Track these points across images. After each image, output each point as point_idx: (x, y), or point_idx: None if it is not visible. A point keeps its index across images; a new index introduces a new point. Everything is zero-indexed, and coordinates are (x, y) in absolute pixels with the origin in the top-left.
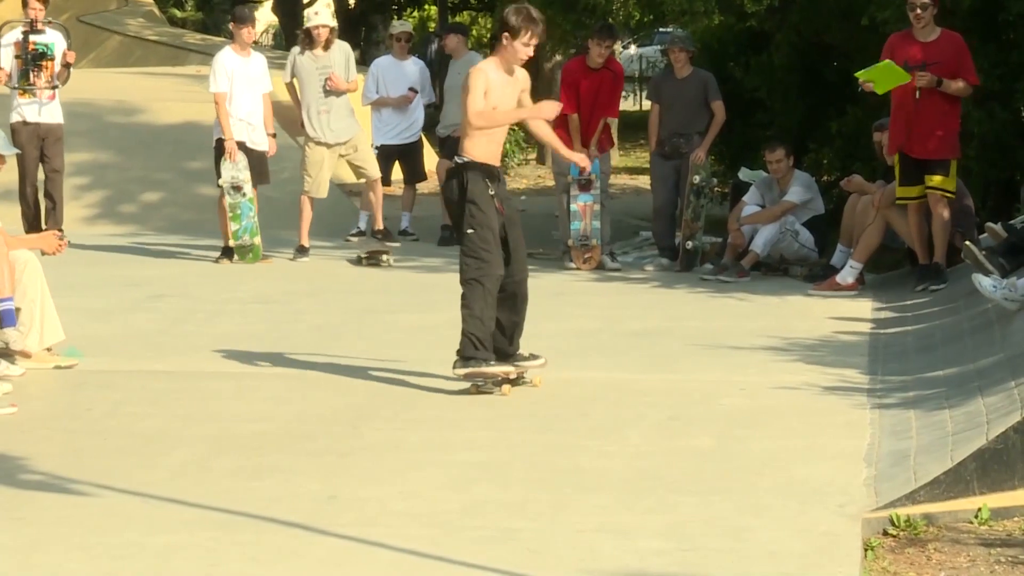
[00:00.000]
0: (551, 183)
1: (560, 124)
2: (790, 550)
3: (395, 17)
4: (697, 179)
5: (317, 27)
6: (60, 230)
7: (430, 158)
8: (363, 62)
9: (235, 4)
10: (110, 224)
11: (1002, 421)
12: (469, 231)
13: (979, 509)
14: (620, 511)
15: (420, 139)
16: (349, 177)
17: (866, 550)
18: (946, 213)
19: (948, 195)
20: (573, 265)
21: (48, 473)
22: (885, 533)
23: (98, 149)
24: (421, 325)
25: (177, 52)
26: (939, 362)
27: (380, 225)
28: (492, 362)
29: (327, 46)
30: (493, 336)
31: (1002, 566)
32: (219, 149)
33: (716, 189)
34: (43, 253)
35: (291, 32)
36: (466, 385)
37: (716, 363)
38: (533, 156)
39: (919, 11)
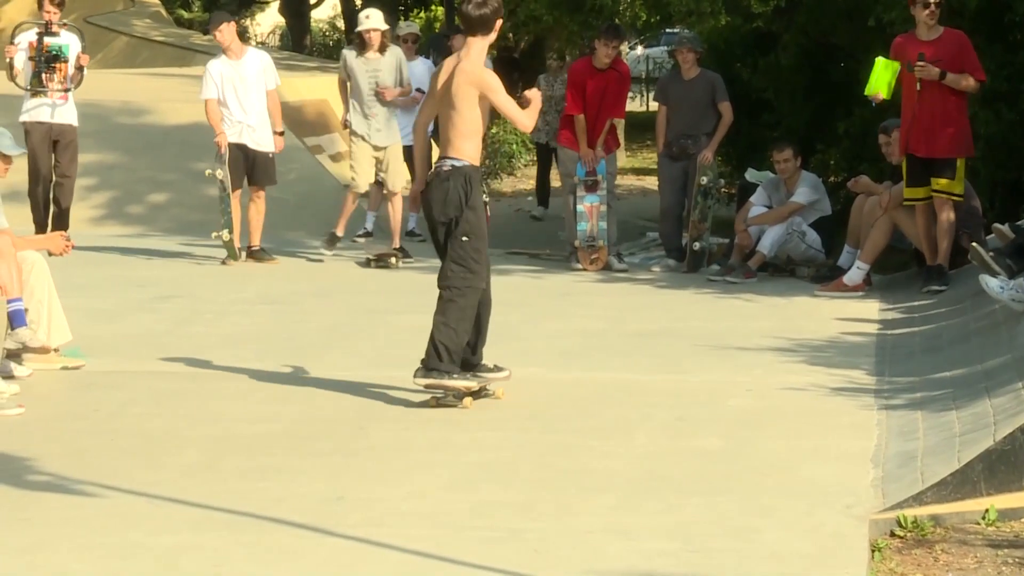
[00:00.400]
0: (557, 184)
1: (566, 124)
2: (797, 551)
3: (402, 18)
4: (705, 180)
5: (368, 31)
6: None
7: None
8: None
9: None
10: (117, 225)
11: (1009, 422)
12: (464, 238)
13: (986, 510)
14: (626, 512)
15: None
16: None
17: (873, 551)
18: (951, 216)
19: (955, 198)
20: (580, 266)
21: (54, 473)
22: (892, 534)
23: (105, 150)
24: (428, 326)
25: (184, 53)
26: (946, 363)
27: (398, 243)
28: (455, 375)
29: (381, 50)
30: None
31: (1010, 567)
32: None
33: (723, 190)
34: (50, 254)
35: (298, 33)
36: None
37: (723, 364)
38: None
39: (933, 8)
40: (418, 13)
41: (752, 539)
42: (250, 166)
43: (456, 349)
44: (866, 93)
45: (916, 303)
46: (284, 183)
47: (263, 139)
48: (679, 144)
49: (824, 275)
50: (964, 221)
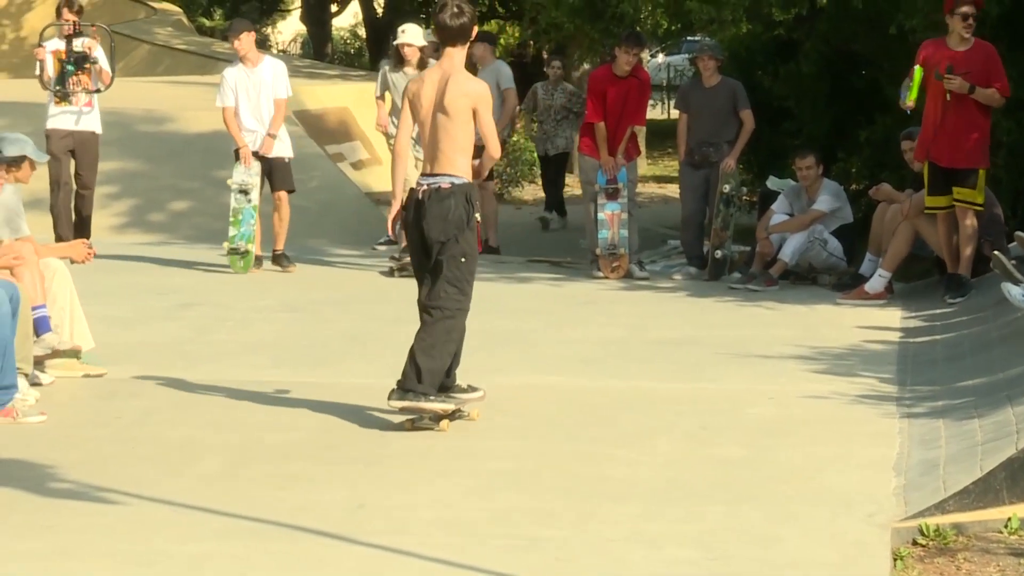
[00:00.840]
0: (578, 192)
1: (587, 132)
2: (819, 559)
3: (424, 26)
4: (727, 188)
5: (403, 45)
6: (88, 238)
7: None
8: None
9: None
10: (139, 232)
11: None
12: (463, 259)
13: (1009, 519)
14: (648, 520)
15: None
16: (375, 185)
17: (895, 560)
18: (974, 222)
19: (976, 207)
20: (601, 274)
21: (77, 481)
22: (914, 543)
23: (127, 158)
24: None
25: (206, 61)
26: (968, 371)
27: None
28: (432, 397)
29: (421, 66)
30: None
31: None
32: (237, 157)
33: (745, 198)
34: (72, 261)
35: (319, 41)
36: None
37: (744, 372)
38: None
39: (971, 20)
40: None
41: (774, 547)
42: (267, 173)
43: (438, 372)
44: (908, 102)
45: (938, 311)
46: (305, 191)
47: (280, 144)
48: (700, 152)
49: (846, 283)
50: (986, 229)
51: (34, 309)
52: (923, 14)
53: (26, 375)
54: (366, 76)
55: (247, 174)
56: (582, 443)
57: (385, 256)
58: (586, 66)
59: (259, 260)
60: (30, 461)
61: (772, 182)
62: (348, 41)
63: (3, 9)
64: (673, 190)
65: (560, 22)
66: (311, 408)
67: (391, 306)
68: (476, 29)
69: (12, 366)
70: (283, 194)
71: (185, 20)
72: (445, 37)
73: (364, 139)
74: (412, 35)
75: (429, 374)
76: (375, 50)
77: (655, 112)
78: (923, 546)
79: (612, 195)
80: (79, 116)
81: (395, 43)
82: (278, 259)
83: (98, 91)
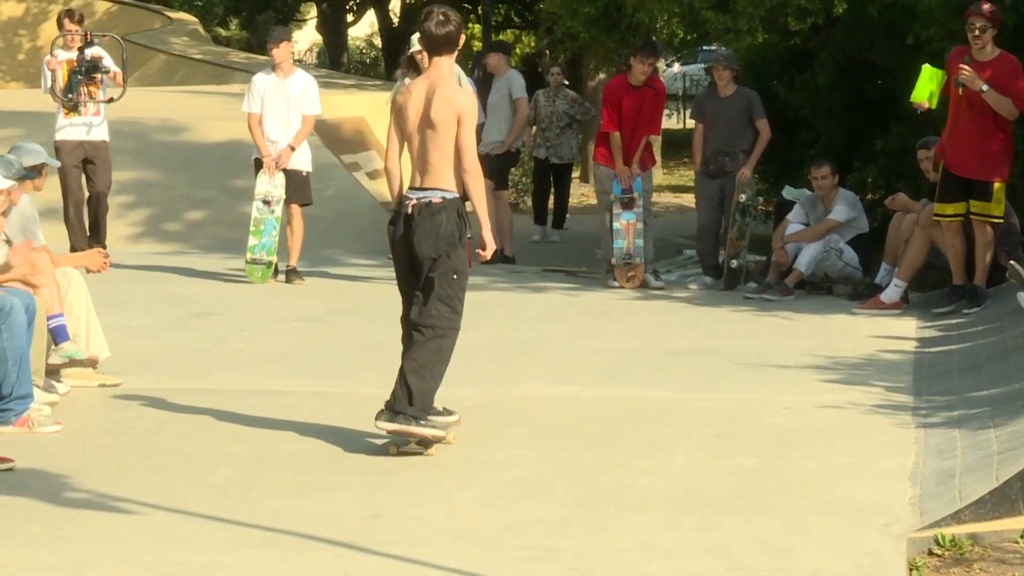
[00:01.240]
0: (594, 201)
1: (602, 142)
2: (835, 569)
3: None
4: (743, 197)
5: (417, 54)
6: (104, 247)
7: None
8: None
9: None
10: (155, 242)
11: None
12: (455, 276)
13: None
14: (664, 530)
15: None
16: (391, 195)
17: (911, 570)
18: (989, 235)
19: (994, 220)
20: (616, 283)
21: (92, 490)
22: (930, 553)
23: (143, 167)
24: (464, 343)
25: (222, 71)
26: (984, 381)
27: None
28: (422, 421)
29: None
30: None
31: None
32: (258, 166)
33: (760, 207)
34: (88, 271)
35: (335, 51)
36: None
37: (760, 382)
38: (576, 175)
39: (977, 32)
40: None
41: (790, 557)
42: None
43: (429, 395)
44: (912, 100)
45: (954, 321)
46: (321, 200)
47: (298, 157)
48: (716, 161)
49: (861, 293)
50: (1002, 239)
51: (52, 318)
52: (939, 24)
53: (38, 386)
54: (382, 86)
55: (271, 184)
56: (597, 453)
57: None
58: (602, 76)
59: (277, 270)
60: (45, 471)
61: (788, 192)
62: (364, 51)
63: (18, 19)
64: (688, 200)
65: (576, 32)
66: (326, 418)
67: None
68: (463, 38)
69: (28, 376)
70: (296, 208)
71: (201, 30)
72: (431, 46)
73: (380, 149)
74: None
75: (420, 396)
76: (391, 60)
77: (670, 122)
78: (939, 556)
79: (627, 205)
80: (89, 127)
81: (410, 52)
82: (290, 276)
83: (111, 100)
